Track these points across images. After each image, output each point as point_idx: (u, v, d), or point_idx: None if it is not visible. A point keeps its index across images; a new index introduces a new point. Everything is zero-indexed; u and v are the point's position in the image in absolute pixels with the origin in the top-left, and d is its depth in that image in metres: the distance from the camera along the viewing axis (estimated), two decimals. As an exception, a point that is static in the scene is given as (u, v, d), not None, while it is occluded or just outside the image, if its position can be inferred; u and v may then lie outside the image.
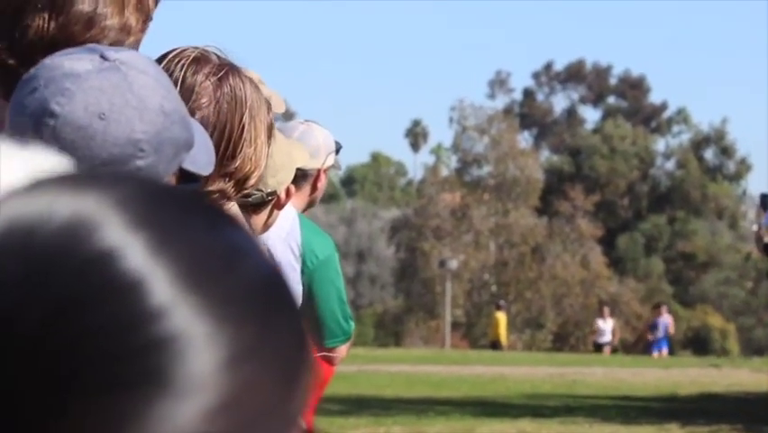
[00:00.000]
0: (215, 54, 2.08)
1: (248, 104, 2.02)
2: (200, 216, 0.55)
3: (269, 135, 2.08)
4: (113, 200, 0.54)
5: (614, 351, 29.99)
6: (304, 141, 3.61)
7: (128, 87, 1.52)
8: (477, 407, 12.80)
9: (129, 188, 0.55)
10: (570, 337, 42.83)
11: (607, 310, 30.37)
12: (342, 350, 3.69)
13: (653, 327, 28.33)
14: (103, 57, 1.54)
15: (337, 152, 3.72)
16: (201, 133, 1.67)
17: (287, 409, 0.54)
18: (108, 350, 0.51)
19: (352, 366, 16.11)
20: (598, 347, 29.12)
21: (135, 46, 1.78)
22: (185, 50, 2.07)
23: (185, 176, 1.60)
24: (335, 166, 3.76)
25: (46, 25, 1.71)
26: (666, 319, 28.28)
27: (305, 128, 3.65)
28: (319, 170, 3.64)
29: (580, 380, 16.26)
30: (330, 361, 3.70)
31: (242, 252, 0.55)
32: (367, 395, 13.40)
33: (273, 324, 0.54)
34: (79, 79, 1.51)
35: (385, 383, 15.31)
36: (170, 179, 1.56)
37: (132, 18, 1.76)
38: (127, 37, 1.76)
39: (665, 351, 28.11)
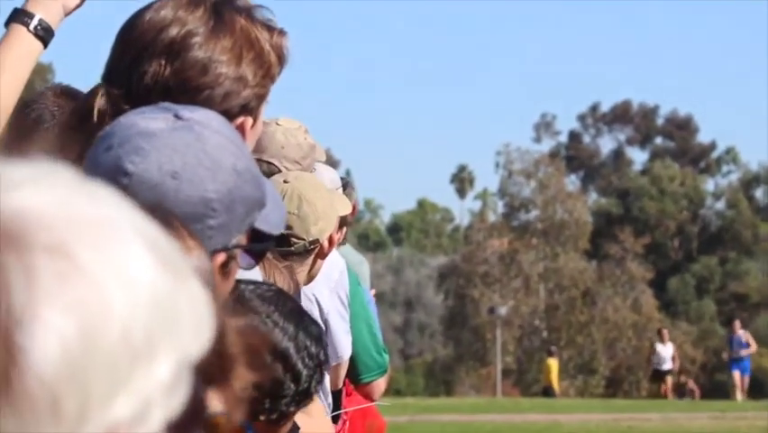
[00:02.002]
0: None
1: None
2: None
3: None
4: None
5: (679, 388, 27.43)
6: None
7: (201, 147, 1.52)
8: (531, 455, 12.58)
9: None
10: (623, 382, 42.30)
11: (666, 333, 27.07)
12: (381, 384, 3.63)
13: (730, 343, 25.57)
14: (177, 116, 1.54)
15: (344, 188, 3.70)
16: (272, 192, 1.66)
17: None
18: None
19: (403, 417, 15.93)
20: (659, 376, 26.04)
21: (255, 102, 1.81)
22: None
23: (256, 234, 1.59)
24: None
25: (162, 70, 1.76)
26: (742, 336, 25.40)
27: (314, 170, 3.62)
28: None
29: (635, 426, 15.99)
30: (369, 396, 3.63)
31: None
32: (419, 446, 13.22)
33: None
34: (153, 138, 1.51)
35: (437, 433, 15.12)
36: (242, 239, 1.56)
37: (248, 70, 1.80)
38: (243, 89, 1.79)
39: (746, 377, 25.37)
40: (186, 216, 1.49)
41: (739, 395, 24.74)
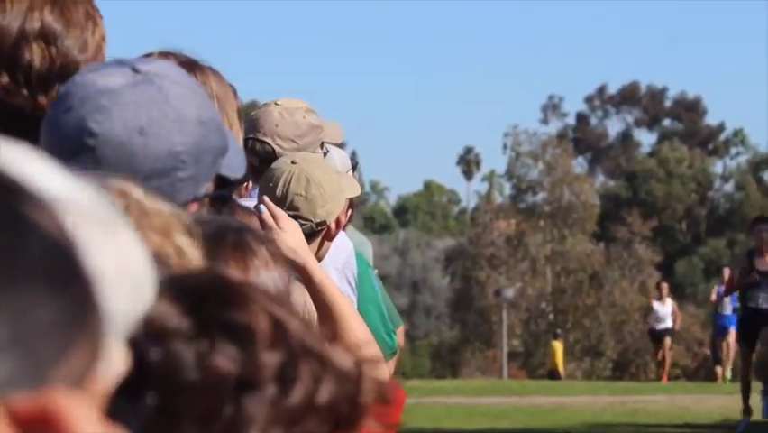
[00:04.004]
0: (173, 54, 2.05)
1: (215, 96, 1.95)
2: None
3: (240, 119, 2.06)
4: None
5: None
6: None
7: (164, 100, 1.48)
8: (537, 438, 12.58)
9: None
10: (630, 365, 42.31)
11: (665, 288, 23.44)
12: (389, 366, 3.62)
13: (716, 300, 22.43)
14: (134, 70, 1.50)
15: (354, 168, 3.66)
16: (232, 137, 1.63)
17: (47, 371, 0.54)
18: None
19: (409, 399, 15.87)
20: (656, 337, 22.93)
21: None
22: (149, 54, 2.01)
23: (220, 181, 1.57)
24: None
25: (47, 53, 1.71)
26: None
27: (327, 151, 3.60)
28: None
29: (641, 408, 15.97)
30: None
31: (24, 225, 0.55)
32: (425, 428, 13.22)
33: (46, 292, 0.54)
34: (115, 95, 1.47)
35: (443, 415, 15.12)
36: (209, 187, 1.55)
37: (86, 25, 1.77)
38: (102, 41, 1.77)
39: (733, 330, 21.77)
40: (155, 172, 1.47)
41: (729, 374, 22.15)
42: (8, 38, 1.70)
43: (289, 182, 3.00)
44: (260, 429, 0.84)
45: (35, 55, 1.70)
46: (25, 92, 1.69)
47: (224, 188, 1.60)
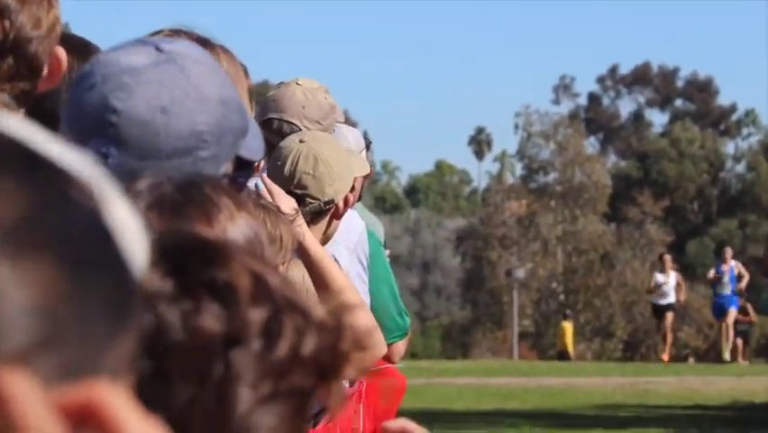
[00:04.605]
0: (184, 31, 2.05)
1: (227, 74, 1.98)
2: (17, 162, 0.52)
3: (251, 99, 2.06)
4: None
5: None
6: None
7: (187, 79, 1.49)
8: (547, 418, 12.60)
9: None
10: (640, 346, 42.30)
11: (668, 260, 21.94)
12: (401, 346, 3.60)
13: (715, 278, 21.17)
14: (158, 49, 1.50)
15: (368, 147, 3.65)
16: (251, 119, 1.65)
17: (98, 360, 0.52)
18: None
19: (420, 379, 15.94)
20: (659, 311, 21.63)
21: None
22: (159, 32, 2.02)
23: (238, 162, 1.58)
24: (369, 163, 3.69)
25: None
26: (733, 266, 21.05)
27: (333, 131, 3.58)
28: None
29: (651, 389, 15.97)
30: (389, 358, 3.59)
31: (62, 204, 0.52)
32: (435, 408, 13.24)
33: (86, 278, 0.52)
34: (137, 73, 1.48)
35: (454, 396, 15.14)
36: (228, 167, 1.55)
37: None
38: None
39: (733, 310, 21.00)
40: (177, 150, 1.47)
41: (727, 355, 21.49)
42: None
43: (297, 161, 2.99)
44: (249, 385, 0.85)
45: None
46: None
47: (242, 170, 1.60)
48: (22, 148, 0.53)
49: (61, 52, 1.75)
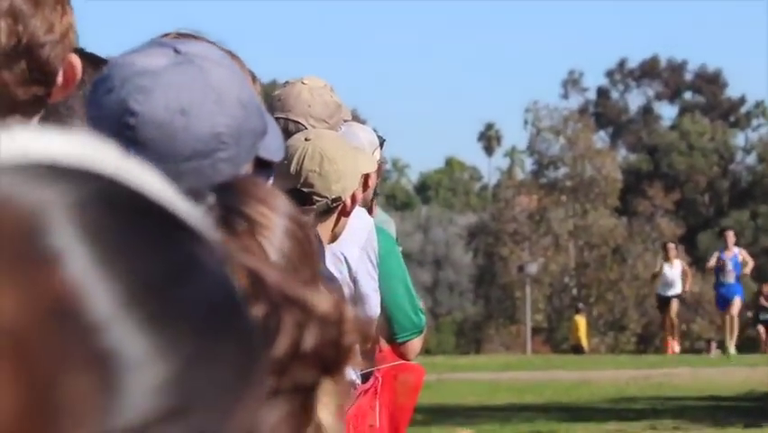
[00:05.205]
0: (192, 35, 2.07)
1: None
2: (151, 224, 0.52)
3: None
4: (70, 200, 0.50)
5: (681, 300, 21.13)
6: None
7: (205, 81, 1.49)
8: (562, 412, 12.60)
9: (92, 188, 0.51)
10: (654, 339, 42.25)
11: (673, 249, 20.60)
12: (416, 344, 3.60)
13: (717, 267, 19.61)
14: (176, 51, 1.51)
15: (381, 145, 3.65)
16: (270, 120, 1.65)
17: (223, 426, 0.51)
18: (39, 361, 0.48)
19: (433, 375, 15.96)
20: (664, 303, 20.38)
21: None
22: (167, 35, 2.05)
23: (258, 163, 1.58)
24: (382, 161, 3.70)
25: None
26: (737, 254, 19.53)
27: (345, 128, 3.59)
28: None
29: (666, 381, 15.95)
30: (404, 356, 3.60)
31: (193, 267, 0.52)
32: (449, 404, 13.26)
33: (218, 344, 0.51)
34: (156, 76, 1.48)
35: (467, 391, 15.15)
36: (248, 168, 1.55)
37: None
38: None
39: (738, 300, 19.49)
40: (197, 152, 1.47)
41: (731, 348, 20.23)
42: None
43: (303, 159, 3.00)
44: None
45: (2, 32, 1.70)
46: None
47: (262, 170, 1.59)
48: (155, 205, 0.52)
49: (76, 60, 1.77)
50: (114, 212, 0.51)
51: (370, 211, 3.75)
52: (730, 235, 20.10)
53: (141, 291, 0.50)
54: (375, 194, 3.73)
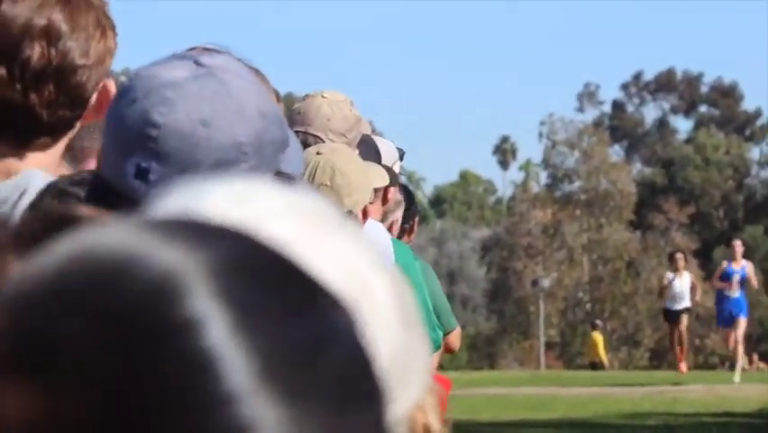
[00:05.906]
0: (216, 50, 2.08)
1: None
2: (290, 293, 0.51)
3: None
4: (206, 262, 0.50)
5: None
6: None
7: (226, 92, 1.51)
8: (576, 428, 12.54)
9: (224, 249, 0.51)
10: (668, 354, 42.11)
11: (681, 259, 18.79)
12: (434, 360, 3.57)
13: (724, 277, 18.15)
14: (197, 63, 1.53)
15: (401, 158, 3.64)
16: (292, 134, 1.66)
17: None
18: (174, 430, 0.48)
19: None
20: (672, 317, 18.61)
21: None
22: (192, 49, 2.06)
23: (279, 177, 1.60)
24: (401, 173, 3.71)
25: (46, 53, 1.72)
26: (745, 266, 18.19)
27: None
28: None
29: (680, 397, 15.87)
30: None
31: (329, 339, 0.51)
32: (463, 420, 13.20)
33: (351, 418, 0.51)
34: (178, 87, 1.50)
35: (481, 407, 15.09)
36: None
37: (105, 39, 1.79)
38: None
39: (743, 320, 18.11)
40: (218, 163, 1.48)
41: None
42: (13, 30, 1.71)
43: (315, 173, 2.98)
44: None
45: (34, 52, 1.71)
46: (18, 86, 1.70)
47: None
48: (296, 272, 0.51)
49: (111, 85, 1.76)
50: (255, 278, 0.51)
51: (410, 231, 3.76)
52: (738, 246, 18.76)
53: (278, 363, 0.49)
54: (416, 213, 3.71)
